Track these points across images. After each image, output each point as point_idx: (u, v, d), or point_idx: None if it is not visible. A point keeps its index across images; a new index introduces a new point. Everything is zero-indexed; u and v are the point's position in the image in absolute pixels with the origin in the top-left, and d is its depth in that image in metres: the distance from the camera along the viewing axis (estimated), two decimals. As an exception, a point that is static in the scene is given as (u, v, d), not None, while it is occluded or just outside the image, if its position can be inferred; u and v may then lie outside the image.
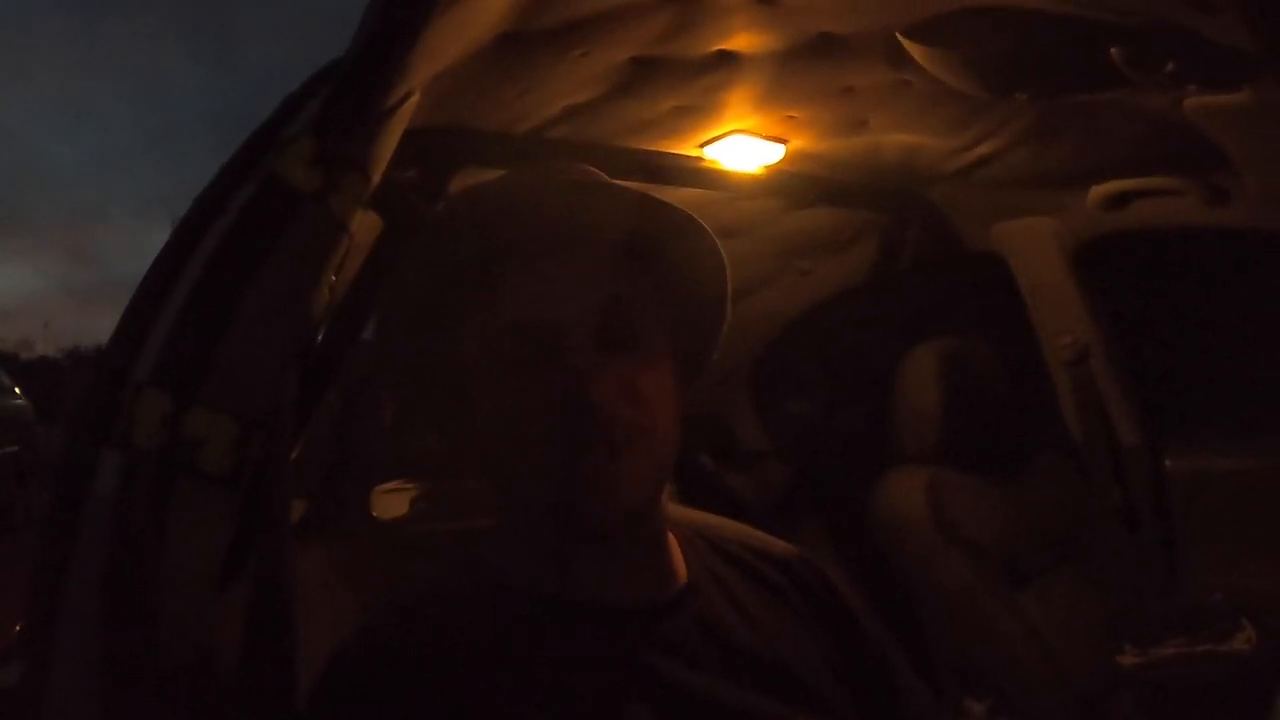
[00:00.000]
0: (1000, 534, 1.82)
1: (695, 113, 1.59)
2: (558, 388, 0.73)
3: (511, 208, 0.80)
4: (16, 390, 8.36)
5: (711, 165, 1.78)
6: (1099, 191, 1.98)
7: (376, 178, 1.01)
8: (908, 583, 1.80)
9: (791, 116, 1.66)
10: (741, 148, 1.74)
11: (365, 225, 1.17)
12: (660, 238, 0.82)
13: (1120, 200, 1.98)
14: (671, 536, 0.85)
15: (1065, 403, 2.23)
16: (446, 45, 1.06)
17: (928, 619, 1.79)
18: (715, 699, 0.75)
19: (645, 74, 1.40)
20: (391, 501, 1.47)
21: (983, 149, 1.82)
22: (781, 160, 1.81)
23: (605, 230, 0.79)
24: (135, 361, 0.92)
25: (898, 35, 1.32)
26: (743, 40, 1.33)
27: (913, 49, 1.35)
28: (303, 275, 0.94)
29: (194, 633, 0.84)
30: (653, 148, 1.71)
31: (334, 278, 1.03)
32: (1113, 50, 1.28)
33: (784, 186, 1.92)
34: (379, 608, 0.84)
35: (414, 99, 1.05)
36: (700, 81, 1.45)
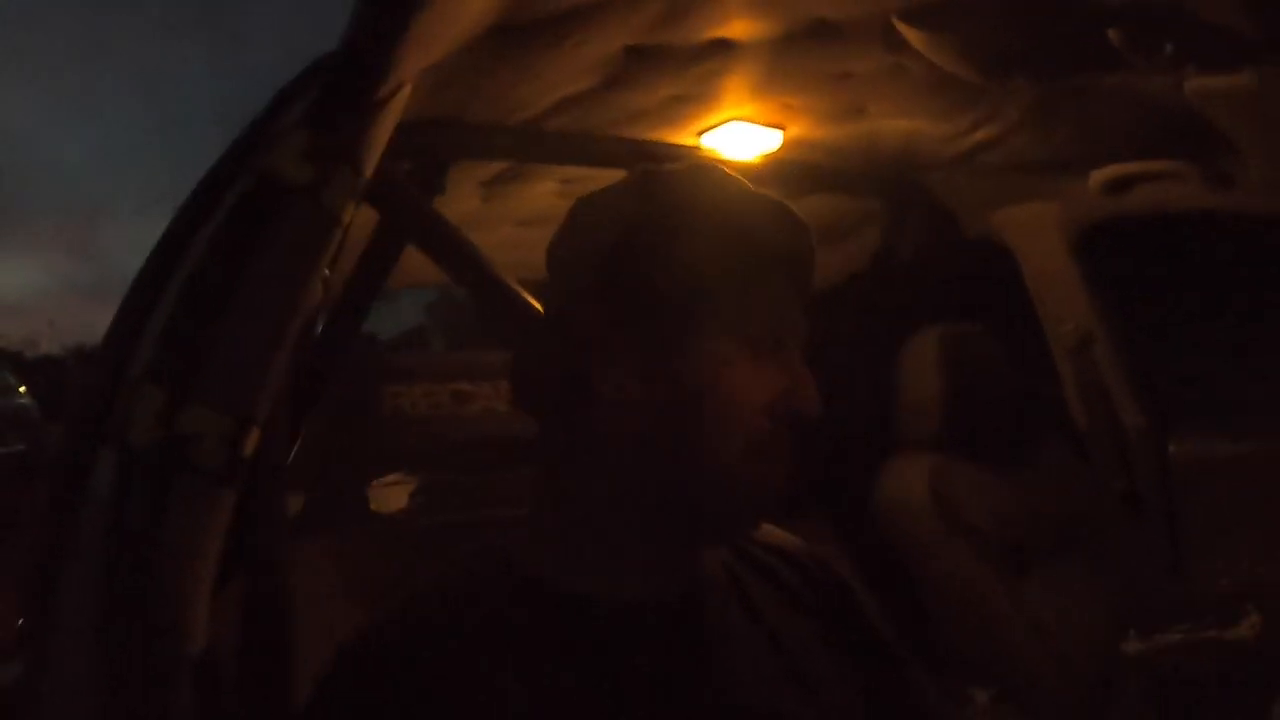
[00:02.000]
0: (1003, 522, 1.81)
1: (692, 101, 1.58)
2: (777, 395, 0.78)
3: (745, 226, 0.81)
4: (22, 389, 8.42)
5: (710, 154, 1.77)
6: (1100, 176, 1.96)
7: (369, 171, 1.01)
8: (910, 571, 1.80)
9: (789, 104, 1.65)
10: (739, 135, 1.73)
11: (360, 220, 1.16)
12: (808, 256, 0.87)
13: (1122, 185, 1.96)
14: None
15: (1069, 389, 2.22)
16: (437, 36, 1.05)
17: (931, 607, 1.78)
18: (733, 701, 0.75)
19: (640, 63, 1.39)
20: (390, 495, 1.46)
21: (981, 134, 1.80)
22: (780, 148, 1.80)
23: (808, 251, 0.85)
24: (131, 358, 0.93)
25: (894, 20, 1.31)
26: (738, 27, 1.32)
27: (909, 33, 1.34)
28: (296, 269, 0.94)
29: (192, 630, 0.83)
30: (650, 137, 1.70)
31: (328, 272, 1.03)
32: (1110, 32, 1.27)
33: (783, 174, 1.91)
34: (390, 601, 0.80)
35: (405, 91, 1.04)
36: (696, 69, 1.44)
